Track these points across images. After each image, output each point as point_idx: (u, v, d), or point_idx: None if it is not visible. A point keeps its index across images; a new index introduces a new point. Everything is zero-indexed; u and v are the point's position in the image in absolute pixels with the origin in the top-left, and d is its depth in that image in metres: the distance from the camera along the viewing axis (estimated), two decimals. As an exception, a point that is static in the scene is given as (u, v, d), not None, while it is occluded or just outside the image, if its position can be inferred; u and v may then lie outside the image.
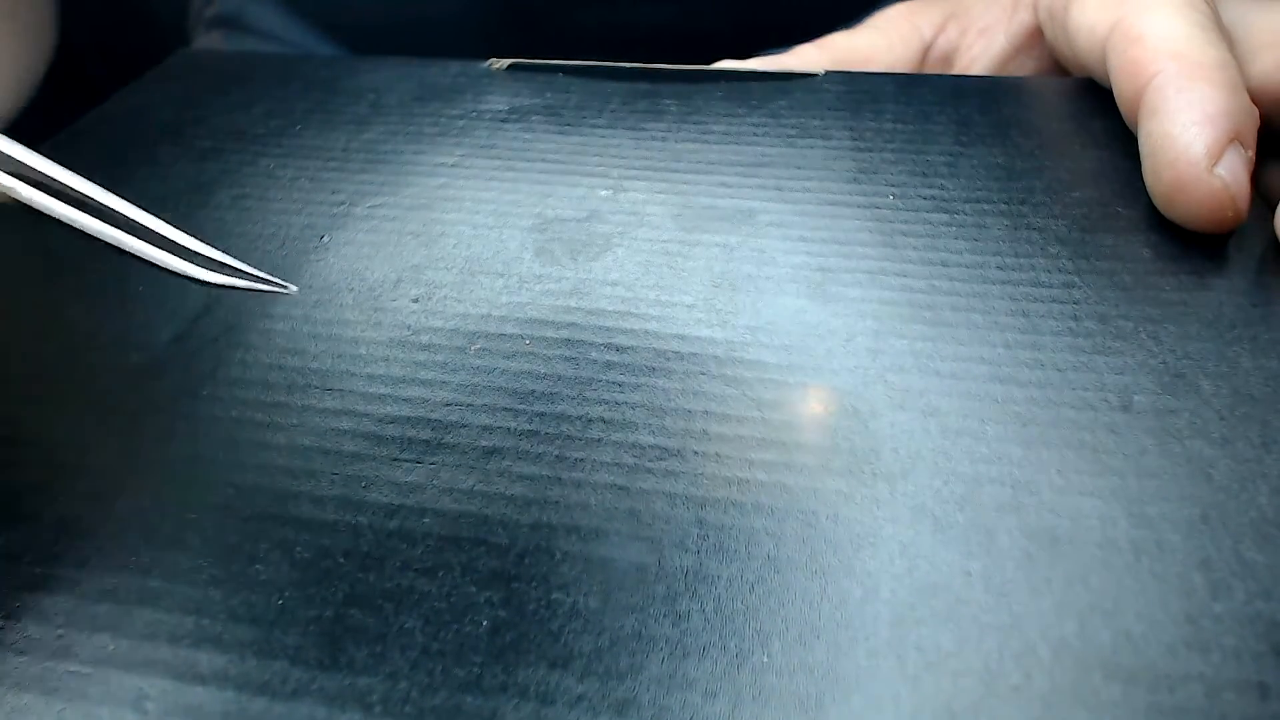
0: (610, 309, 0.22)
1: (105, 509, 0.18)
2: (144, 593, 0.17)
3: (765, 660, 0.16)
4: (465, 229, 0.24)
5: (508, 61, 0.30)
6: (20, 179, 0.19)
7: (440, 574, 0.17)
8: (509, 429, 0.19)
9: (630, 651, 0.16)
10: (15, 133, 0.42)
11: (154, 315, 0.22)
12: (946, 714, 0.15)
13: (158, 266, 0.19)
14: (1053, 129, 0.26)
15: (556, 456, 0.19)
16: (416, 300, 0.22)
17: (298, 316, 0.22)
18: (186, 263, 0.19)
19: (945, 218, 0.24)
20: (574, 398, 0.20)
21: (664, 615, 0.16)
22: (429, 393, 0.20)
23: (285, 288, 0.20)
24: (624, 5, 0.37)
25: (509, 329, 0.21)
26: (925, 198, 0.24)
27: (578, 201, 0.25)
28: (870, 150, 0.26)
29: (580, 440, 0.19)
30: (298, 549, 0.18)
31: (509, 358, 0.21)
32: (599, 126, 0.27)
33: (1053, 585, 0.16)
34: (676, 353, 0.21)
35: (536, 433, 0.19)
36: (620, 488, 0.18)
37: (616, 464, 0.19)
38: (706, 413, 0.20)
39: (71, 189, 0.19)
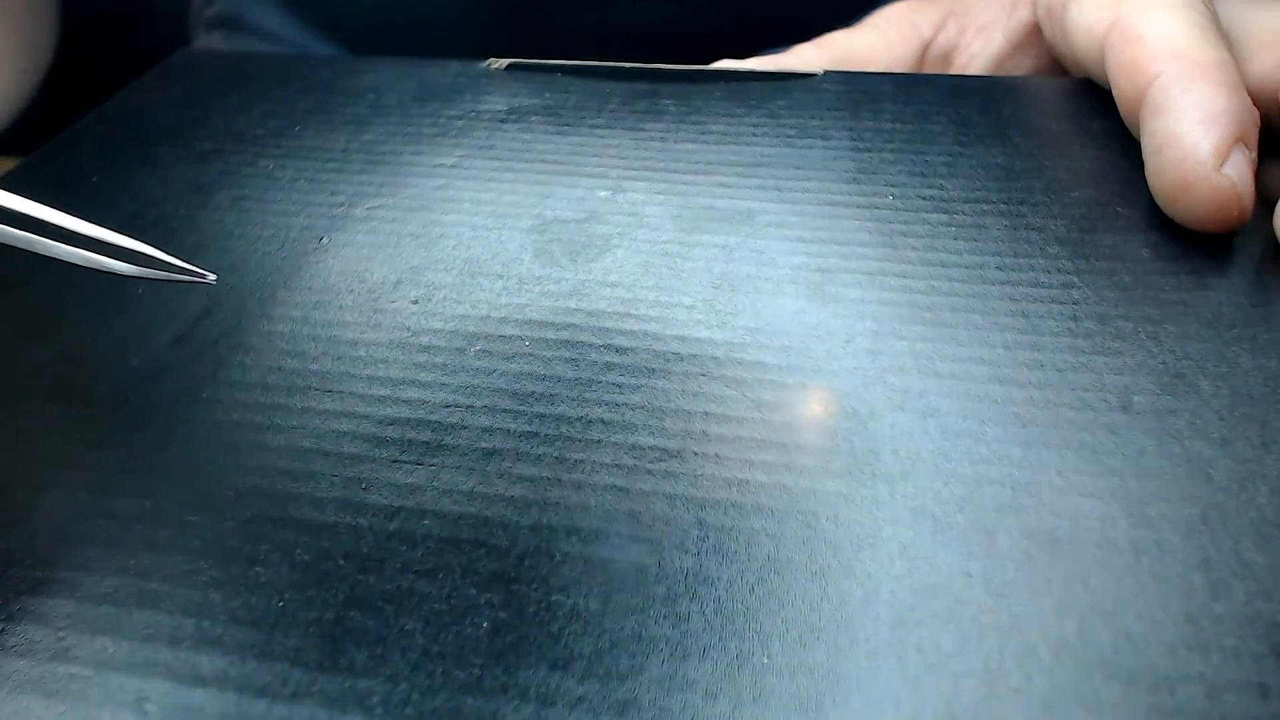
0: (610, 310, 0.22)
1: (105, 511, 0.18)
2: (144, 595, 0.17)
3: (765, 661, 0.16)
4: (464, 230, 0.24)
5: (506, 61, 0.30)
6: None
7: (440, 576, 0.17)
8: (509, 430, 0.19)
9: (630, 653, 0.16)
10: (15, 134, 0.42)
11: (154, 318, 0.22)
12: (947, 715, 0.15)
13: (73, 264, 0.19)
14: (1052, 129, 0.26)
15: (556, 458, 0.19)
16: (416, 302, 0.22)
17: (297, 318, 0.22)
18: (102, 256, 0.19)
19: (944, 218, 0.24)
20: (574, 399, 0.20)
21: (664, 617, 0.16)
22: (429, 394, 0.20)
23: (204, 277, 0.19)
24: (623, 5, 0.37)
25: (508, 330, 0.21)
26: (924, 198, 0.24)
27: (577, 202, 0.25)
28: (869, 150, 0.26)
29: (580, 442, 0.19)
30: (298, 551, 0.18)
31: (509, 359, 0.21)
32: (598, 127, 0.27)
33: (1053, 586, 0.16)
34: (676, 354, 0.21)
35: (536, 434, 0.19)
36: (620, 489, 0.18)
37: (616, 465, 0.19)
38: (706, 414, 0.20)
39: None
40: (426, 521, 0.18)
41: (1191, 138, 0.22)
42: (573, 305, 0.22)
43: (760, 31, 0.33)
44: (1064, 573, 0.17)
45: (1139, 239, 0.23)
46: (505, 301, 0.22)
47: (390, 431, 0.20)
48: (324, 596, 0.17)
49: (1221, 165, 0.21)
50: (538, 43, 0.33)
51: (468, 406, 0.20)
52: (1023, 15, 0.31)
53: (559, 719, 0.15)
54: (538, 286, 0.22)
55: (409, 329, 0.22)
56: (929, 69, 0.32)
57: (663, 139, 0.27)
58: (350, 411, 0.20)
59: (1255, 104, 0.23)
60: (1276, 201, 0.22)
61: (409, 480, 0.19)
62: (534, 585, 0.17)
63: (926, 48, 0.32)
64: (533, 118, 0.28)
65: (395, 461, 0.19)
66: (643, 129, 0.27)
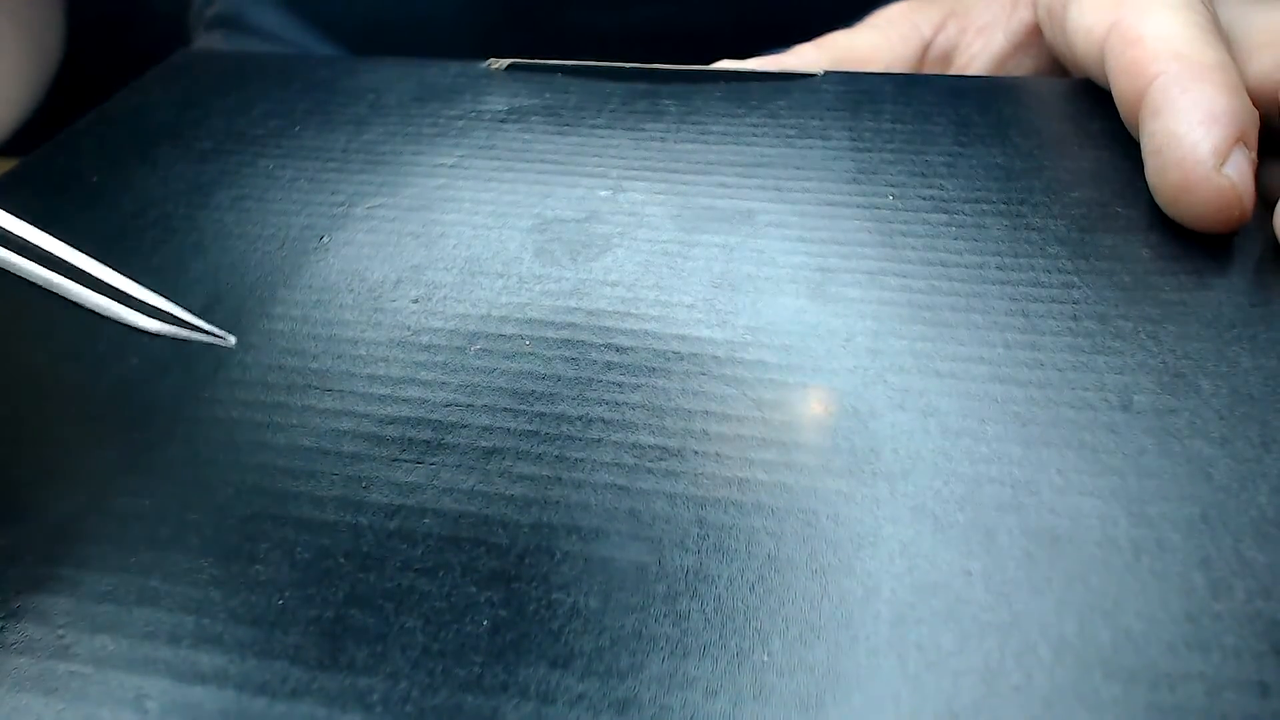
0: (610, 309, 0.22)
1: (105, 509, 0.18)
2: (144, 593, 0.17)
3: (766, 659, 0.16)
4: (465, 229, 0.24)
5: (507, 62, 0.30)
6: None
7: (441, 574, 0.17)
8: (509, 429, 0.19)
9: (631, 651, 0.16)
10: (15, 134, 0.42)
11: (154, 316, 0.22)
12: (947, 713, 0.15)
13: (103, 316, 0.19)
14: (1052, 129, 0.26)
15: (557, 457, 0.19)
16: (416, 301, 0.22)
17: (297, 317, 0.22)
18: (130, 310, 0.19)
19: (945, 218, 0.24)
20: (574, 398, 0.20)
21: (664, 615, 0.16)
22: (429, 393, 0.20)
23: (225, 339, 0.19)
24: (623, 5, 0.37)
25: (509, 329, 0.22)
26: (925, 198, 0.24)
27: (577, 202, 0.25)
28: (869, 150, 0.26)
29: (580, 440, 0.19)
30: (298, 549, 0.18)
31: (509, 358, 0.21)
32: (598, 127, 0.27)
33: (1053, 584, 0.16)
34: (676, 353, 0.21)
35: (537, 433, 0.19)
36: (620, 488, 0.18)
37: (617, 464, 0.19)
38: (706, 413, 0.20)
39: (12, 234, 0.19)
40: (427, 520, 0.18)
41: (1191, 138, 0.22)
42: (573, 304, 0.22)
43: (760, 32, 0.33)
44: (1064, 571, 0.17)
45: (1139, 239, 0.23)
46: (505, 300, 0.22)
47: (390, 430, 0.20)
48: (324, 594, 0.17)
49: (1222, 165, 0.21)
50: (538, 43, 0.33)
51: (468, 405, 0.20)
52: (1023, 15, 0.31)
53: (559, 717, 0.15)
54: (538, 286, 0.22)
55: (409, 328, 0.22)
56: (929, 69, 0.32)
57: (663, 139, 0.27)
58: (350, 410, 0.20)
59: (1255, 104, 0.23)
60: (1276, 201, 0.22)
61: (409, 479, 0.19)
62: (534, 583, 0.17)
63: (927, 48, 0.32)
64: (533, 118, 0.28)
65: (395, 460, 0.19)
66: (643, 129, 0.27)
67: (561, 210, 0.24)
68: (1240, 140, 0.22)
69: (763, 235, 0.23)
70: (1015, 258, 0.22)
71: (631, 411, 0.20)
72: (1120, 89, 0.24)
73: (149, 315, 0.19)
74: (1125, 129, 0.25)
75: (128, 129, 0.29)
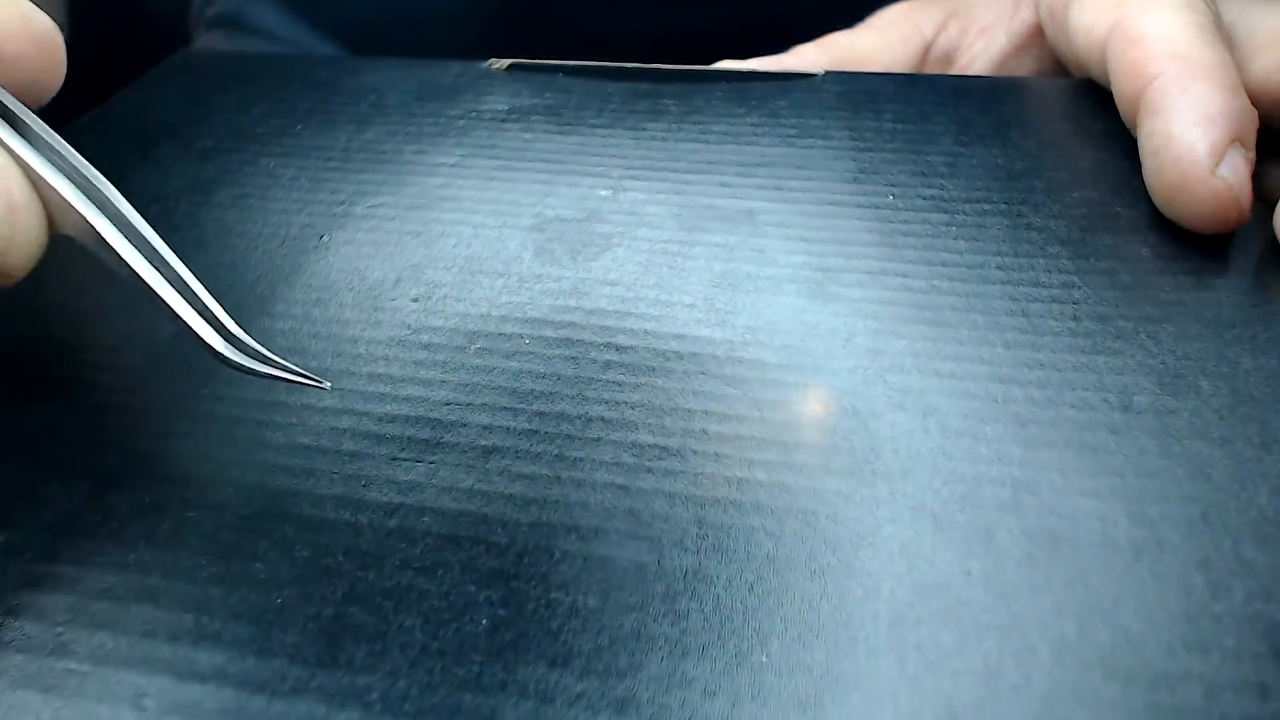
0: (610, 309, 0.22)
1: (105, 507, 0.18)
2: (143, 590, 0.17)
3: (764, 659, 0.16)
4: (465, 229, 0.24)
5: (508, 61, 0.30)
6: (110, 220, 0.18)
7: (440, 573, 0.17)
8: (508, 428, 0.19)
9: (629, 650, 0.16)
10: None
11: (155, 314, 0.22)
12: (946, 713, 0.15)
13: (196, 339, 0.19)
14: (1052, 129, 0.26)
15: (556, 456, 0.19)
16: (416, 300, 0.22)
17: (298, 316, 0.22)
18: (230, 346, 0.19)
19: (945, 218, 0.24)
20: (574, 397, 0.20)
21: (663, 614, 0.16)
22: (429, 392, 0.20)
23: (320, 384, 0.19)
24: (624, 7, 0.37)
25: (509, 328, 0.21)
26: (925, 198, 0.24)
27: (577, 201, 0.25)
28: (870, 150, 0.26)
29: (580, 440, 0.19)
30: (297, 547, 0.18)
31: (509, 357, 0.21)
32: (599, 126, 0.27)
33: (1052, 585, 0.16)
34: (676, 352, 0.21)
35: (536, 432, 0.19)
36: (620, 487, 0.18)
37: (616, 463, 0.19)
38: (706, 412, 0.20)
39: (145, 239, 0.19)
40: (426, 519, 0.18)
41: (1187, 138, 0.22)
42: (573, 304, 0.22)
43: (761, 33, 0.33)
44: (1064, 572, 0.17)
45: (1139, 239, 0.23)
46: (506, 300, 0.22)
47: (390, 429, 0.20)
48: (323, 593, 0.17)
49: (1217, 166, 0.21)
50: (538, 43, 0.33)
51: (467, 404, 0.20)
52: (1025, 16, 0.31)
53: (558, 716, 0.15)
54: (538, 285, 0.22)
55: (409, 327, 0.22)
56: (930, 70, 0.32)
57: (664, 138, 0.27)
58: (350, 409, 0.20)
59: (1256, 104, 0.23)
60: (1276, 201, 0.22)
61: (408, 477, 0.19)
62: (533, 582, 0.17)
63: (928, 48, 0.32)
64: (534, 117, 0.28)
65: (395, 459, 0.19)
66: (644, 129, 0.27)
67: (562, 210, 0.24)
68: (1237, 140, 0.21)
69: (763, 235, 0.23)
70: (1015, 258, 0.22)
71: (631, 411, 0.20)
72: (1120, 88, 0.24)
73: (248, 355, 0.19)
74: (1125, 129, 0.25)
75: (128, 128, 0.29)
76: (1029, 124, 0.26)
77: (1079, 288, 0.22)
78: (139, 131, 0.29)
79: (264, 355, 0.19)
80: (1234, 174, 0.21)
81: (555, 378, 0.20)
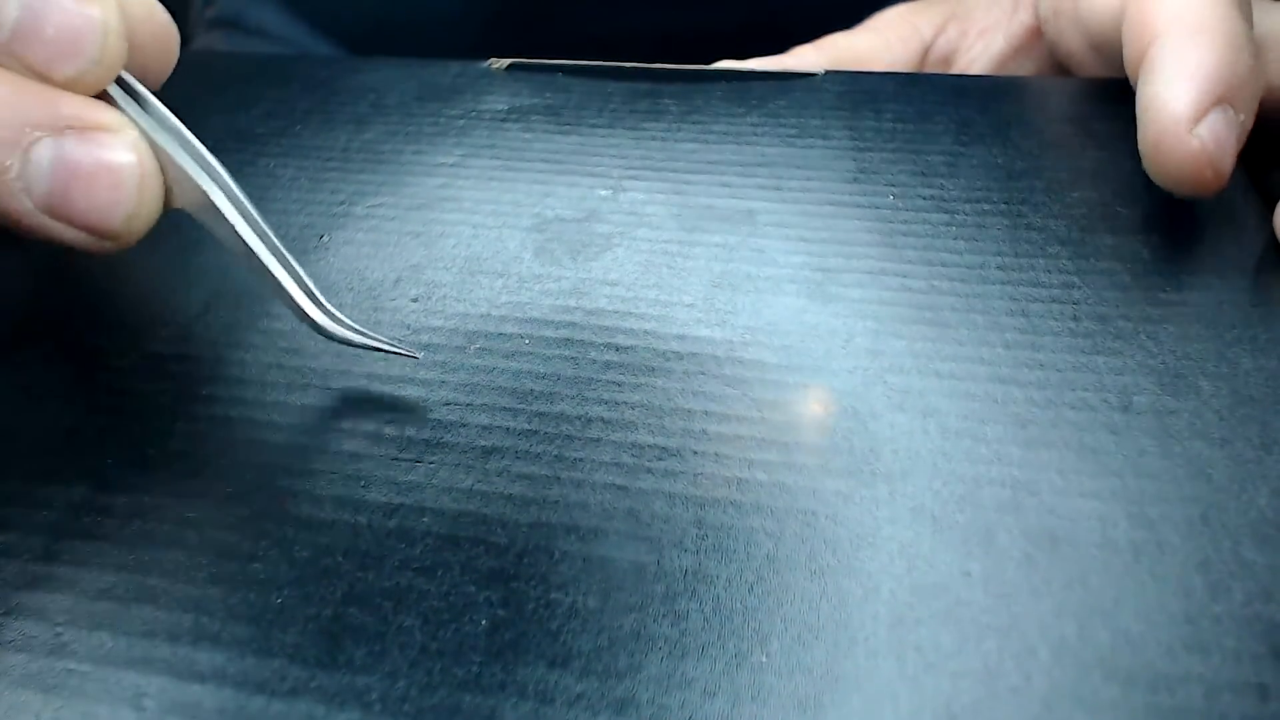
0: (610, 309, 0.22)
1: (104, 507, 0.18)
2: (142, 590, 0.17)
3: (764, 660, 0.16)
4: (465, 229, 0.24)
5: (508, 61, 0.30)
6: (223, 192, 0.20)
7: (439, 573, 0.17)
8: (508, 428, 0.19)
9: (629, 651, 0.16)
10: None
11: (154, 314, 0.22)
12: (946, 714, 0.15)
13: (300, 312, 0.20)
14: (1052, 129, 0.26)
15: (556, 456, 0.19)
16: (416, 300, 0.22)
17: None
18: (323, 314, 0.20)
19: (945, 218, 0.24)
20: (573, 397, 0.20)
21: (663, 615, 0.16)
22: (428, 392, 0.20)
23: (413, 354, 0.21)
24: (624, 8, 0.37)
25: (508, 329, 0.21)
26: (925, 198, 0.24)
27: (577, 201, 0.25)
28: (870, 150, 0.26)
29: (579, 440, 0.19)
30: (296, 547, 0.18)
31: (508, 357, 0.21)
32: (599, 126, 0.27)
33: (1052, 586, 0.16)
34: (676, 353, 0.21)
35: (536, 432, 0.19)
36: (619, 487, 0.18)
37: (616, 464, 0.19)
38: (706, 413, 0.20)
39: (250, 212, 0.20)
40: (425, 519, 0.18)
41: (1167, 95, 0.21)
42: (573, 304, 0.22)
43: (761, 33, 0.33)
44: (1063, 573, 0.17)
45: (1139, 239, 0.23)
46: (505, 300, 0.22)
47: (389, 429, 0.20)
48: (322, 593, 0.17)
49: (1196, 125, 0.21)
50: (538, 44, 0.33)
51: (467, 404, 0.20)
52: (1024, 18, 0.31)
53: (557, 716, 0.15)
54: (538, 285, 0.22)
55: (409, 327, 0.22)
56: (929, 71, 0.32)
57: (663, 138, 0.27)
58: (349, 409, 0.20)
59: (1264, 106, 0.22)
60: (1277, 202, 0.22)
61: (408, 478, 0.19)
62: (533, 583, 0.17)
63: (927, 50, 0.32)
64: (534, 117, 0.28)
65: (394, 459, 0.19)
66: (643, 128, 0.27)
67: (561, 210, 0.24)
68: (1224, 101, 0.21)
69: (763, 235, 0.23)
70: (1015, 258, 0.22)
71: (631, 411, 0.20)
72: (1128, 52, 0.24)
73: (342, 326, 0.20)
74: (1127, 128, 0.24)
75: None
76: (1029, 124, 0.26)
77: (1079, 288, 0.22)
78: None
79: (357, 329, 0.20)
80: (1212, 134, 0.21)
81: (555, 378, 0.20)
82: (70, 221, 0.19)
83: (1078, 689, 0.15)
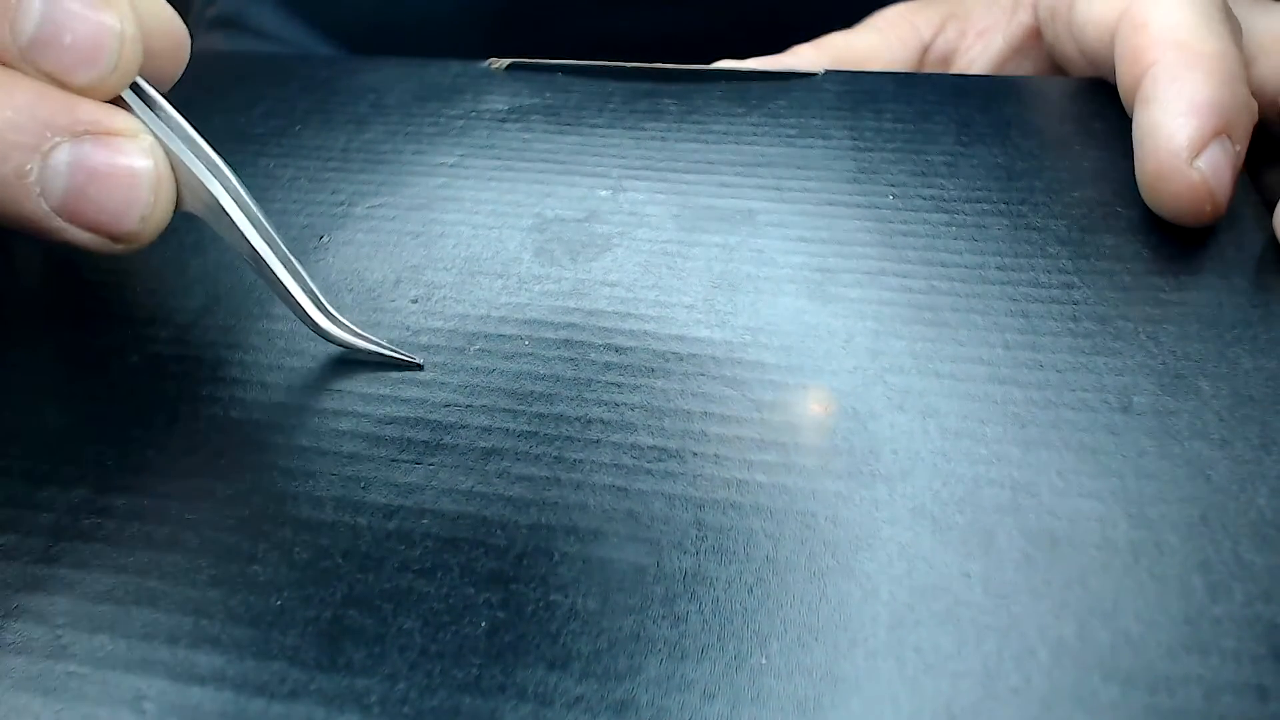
0: (609, 309, 0.22)
1: (104, 509, 0.18)
2: (142, 593, 0.17)
3: (764, 662, 0.16)
4: (465, 229, 0.24)
5: (507, 61, 0.30)
6: (230, 196, 0.20)
7: (439, 575, 0.17)
8: (508, 430, 0.19)
9: (629, 653, 0.16)
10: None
11: (154, 315, 0.22)
12: (945, 716, 0.15)
13: (304, 316, 0.21)
14: (1053, 129, 0.26)
15: (555, 457, 0.19)
16: (415, 301, 0.22)
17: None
18: (332, 324, 0.21)
19: (945, 218, 0.23)
20: (573, 398, 0.20)
21: (662, 617, 0.16)
22: (428, 393, 0.20)
23: (415, 362, 0.21)
24: (623, 9, 0.37)
25: (508, 330, 0.21)
26: (925, 198, 0.24)
27: (577, 202, 0.25)
28: (870, 150, 0.26)
29: (579, 441, 0.19)
30: (296, 549, 0.18)
31: (508, 358, 0.21)
32: (598, 126, 0.27)
33: (1052, 587, 0.16)
34: (675, 354, 0.21)
35: (535, 434, 0.19)
36: (619, 489, 0.18)
37: (615, 465, 0.19)
38: (705, 414, 0.20)
39: (257, 216, 0.20)
40: (425, 520, 0.18)
41: (1169, 128, 0.22)
42: (572, 305, 0.22)
43: (761, 33, 0.33)
44: (1063, 573, 0.17)
45: (1139, 239, 0.23)
46: (505, 301, 0.22)
47: (389, 430, 0.20)
48: (322, 595, 0.17)
49: (1196, 158, 0.21)
50: (538, 44, 0.33)
51: (467, 406, 0.20)
52: (1023, 19, 0.31)
53: (557, 719, 0.15)
54: (537, 286, 0.22)
55: (408, 328, 0.22)
56: (928, 71, 0.32)
57: (663, 138, 0.27)
58: (349, 410, 0.20)
59: (1259, 106, 0.23)
60: (1277, 202, 0.22)
61: (408, 479, 0.19)
62: (532, 585, 0.17)
63: (926, 50, 0.32)
64: (533, 117, 0.28)
65: (394, 460, 0.19)
66: (643, 128, 0.27)
67: (561, 210, 0.24)
68: (1223, 133, 0.21)
69: (763, 235, 0.23)
70: (1015, 258, 0.22)
71: (630, 412, 0.20)
72: (1121, 76, 0.24)
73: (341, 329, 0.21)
74: (1126, 129, 0.25)
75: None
76: (1029, 124, 0.26)
77: (1079, 288, 0.22)
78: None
79: (362, 335, 0.21)
80: (1212, 167, 0.21)
81: (554, 379, 0.20)
82: (86, 225, 0.19)
83: (1077, 690, 0.15)
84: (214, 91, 0.30)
